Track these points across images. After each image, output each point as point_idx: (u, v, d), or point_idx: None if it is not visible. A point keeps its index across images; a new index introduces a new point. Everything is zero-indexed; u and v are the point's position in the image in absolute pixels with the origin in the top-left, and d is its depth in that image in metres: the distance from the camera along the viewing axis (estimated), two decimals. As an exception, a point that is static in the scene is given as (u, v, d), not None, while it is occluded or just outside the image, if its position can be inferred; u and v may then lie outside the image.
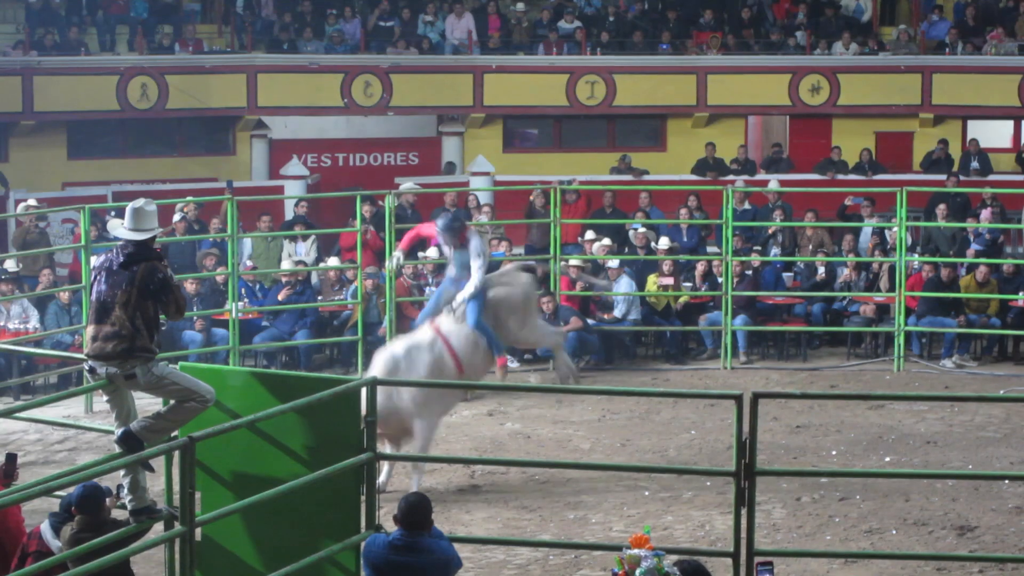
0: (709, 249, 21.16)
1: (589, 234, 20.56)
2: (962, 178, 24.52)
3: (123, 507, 9.28)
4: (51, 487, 8.54)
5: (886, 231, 20.69)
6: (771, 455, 14.84)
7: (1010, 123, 27.21)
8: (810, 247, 20.82)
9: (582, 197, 21.68)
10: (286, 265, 20.06)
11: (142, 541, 9.06)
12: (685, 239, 21.21)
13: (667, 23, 27.49)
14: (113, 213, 18.15)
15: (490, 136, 26.85)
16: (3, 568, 9.11)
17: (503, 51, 26.83)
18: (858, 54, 26.93)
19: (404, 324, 17.80)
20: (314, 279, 20.35)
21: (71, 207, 20.08)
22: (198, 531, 8.99)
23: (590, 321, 19.31)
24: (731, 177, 25.10)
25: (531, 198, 21.65)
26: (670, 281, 19.70)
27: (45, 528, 8.94)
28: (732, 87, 26.53)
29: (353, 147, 26.54)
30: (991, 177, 25.14)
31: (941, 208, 21.41)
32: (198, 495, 9.01)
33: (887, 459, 15.10)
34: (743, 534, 9.12)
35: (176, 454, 8.72)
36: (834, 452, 15.31)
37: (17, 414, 11.14)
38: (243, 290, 18.82)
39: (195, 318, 18.35)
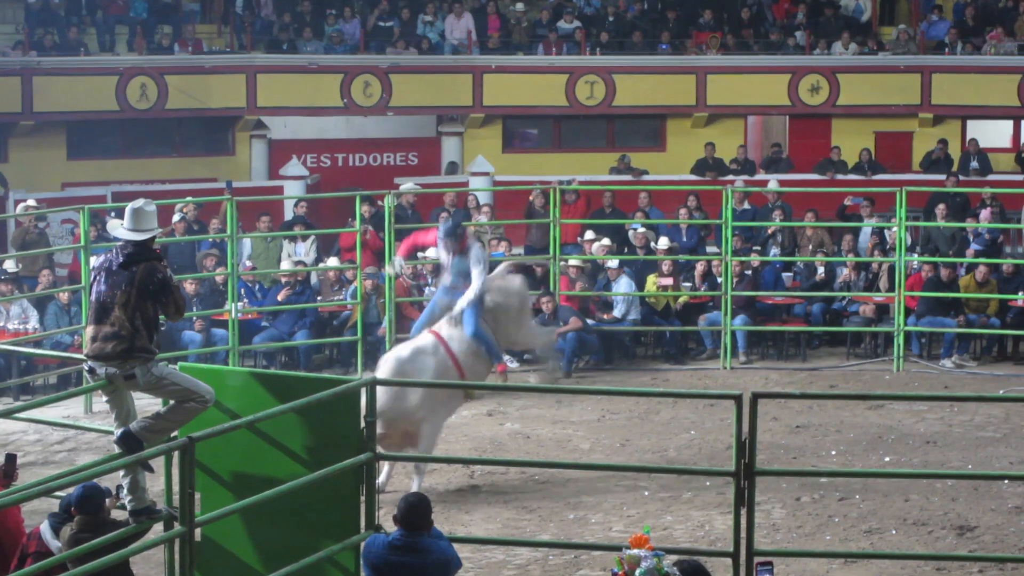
0: (708, 249, 21.16)
1: (589, 234, 20.56)
2: (961, 178, 24.52)
3: (123, 507, 9.28)
4: (51, 487, 8.54)
5: (886, 231, 20.70)
6: (771, 455, 14.84)
7: (1009, 123, 27.21)
8: (810, 247, 20.82)
9: (581, 197, 21.68)
10: (285, 265, 20.06)
11: (142, 541, 9.06)
12: (684, 239, 21.21)
13: (666, 23, 27.50)
14: (113, 213, 18.15)
15: (489, 136, 26.85)
16: (2, 568, 9.11)
17: (502, 51, 26.83)
18: (857, 54, 26.94)
19: (404, 324, 17.80)
20: (313, 279, 20.36)
21: (70, 207, 20.07)
22: (198, 531, 8.99)
23: (589, 321, 19.31)
24: (730, 177, 25.09)
25: (531, 198, 21.64)
26: (669, 281, 19.70)
27: (45, 528, 8.94)
28: (731, 87, 26.53)
29: (353, 147, 26.55)
30: (990, 177, 25.14)
31: (940, 208, 21.41)
32: (198, 495, 9.01)
33: (887, 459, 15.10)
34: (743, 534, 9.12)
35: (176, 454, 8.72)
36: (834, 452, 15.31)
37: (17, 414, 11.14)
38: (242, 290, 18.82)
39: (194, 318, 18.35)
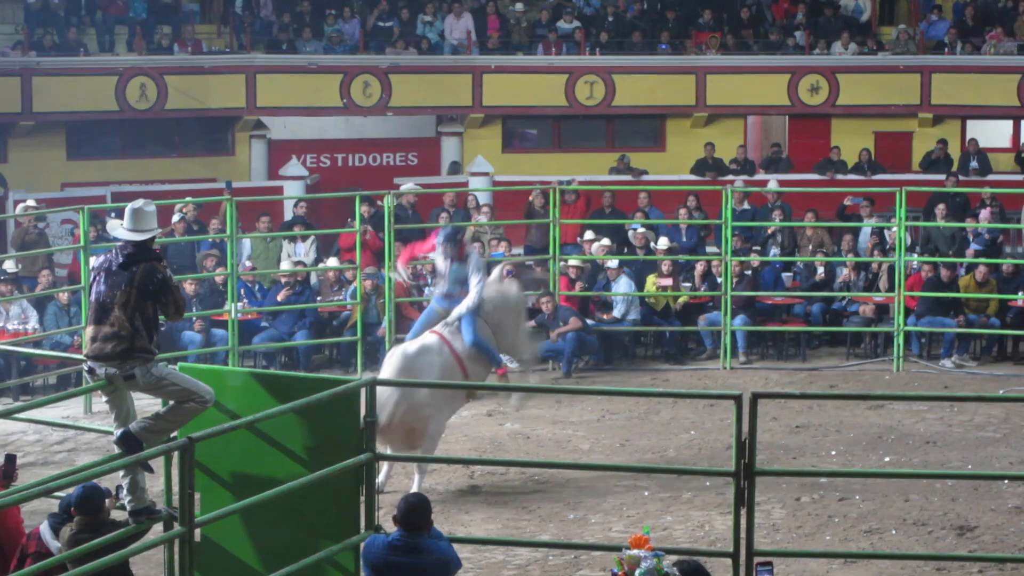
0: (708, 249, 21.15)
1: (588, 234, 20.56)
2: (961, 178, 24.52)
3: (122, 508, 9.28)
4: (50, 488, 8.53)
5: (885, 231, 20.69)
6: (770, 455, 14.83)
7: (1009, 123, 27.21)
8: (809, 247, 20.81)
9: (581, 197, 21.67)
10: (285, 266, 20.06)
11: (141, 542, 9.06)
12: (684, 239, 21.20)
13: (666, 23, 27.49)
14: (113, 214, 18.14)
15: (489, 136, 26.85)
16: (2, 569, 9.11)
17: (502, 51, 26.83)
18: (857, 54, 26.93)
19: (403, 324, 17.80)
20: (313, 279, 20.35)
21: (70, 208, 20.07)
22: (197, 532, 8.99)
23: (589, 321, 19.31)
24: (730, 177, 25.09)
25: (530, 198, 21.64)
26: (669, 282, 19.69)
27: (44, 529, 8.94)
28: (731, 87, 26.53)
29: (352, 147, 26.55)
30: (990, 177, 25.13)
31: (940, 208, 21.41)
32: (197, 496, 9.01)
33: (886, 459, 15.10)
34: (742, 534, 9.11)
35: (175, 455, 8.72)
36: (833, 452, 15.31)
37: (16, 415, 11.14)
38: (242, 291, 18.82)
39: (194, 319, 18.36)
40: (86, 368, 9.45)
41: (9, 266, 18.62)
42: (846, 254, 20.40)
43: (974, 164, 25.54)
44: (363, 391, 9.54)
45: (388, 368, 13.80)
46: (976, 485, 13.84)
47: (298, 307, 19.04)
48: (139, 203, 9.53)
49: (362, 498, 9.52)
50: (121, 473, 9.23)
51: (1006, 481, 13.93)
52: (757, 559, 8.98)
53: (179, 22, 26.44)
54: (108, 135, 25.45)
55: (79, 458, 14.78)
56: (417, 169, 26.37)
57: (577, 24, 27.26)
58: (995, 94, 26.23)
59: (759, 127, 27.88)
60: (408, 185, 22.32)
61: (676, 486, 13.89)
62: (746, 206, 22.07)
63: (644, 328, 19.78)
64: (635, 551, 7.91)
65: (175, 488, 8.97)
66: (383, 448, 13.26)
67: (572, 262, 19.70)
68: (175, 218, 20.55)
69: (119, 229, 9.49)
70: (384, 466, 13.77)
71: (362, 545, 8.68)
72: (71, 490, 8.81)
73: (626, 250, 20.87)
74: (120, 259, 9.38)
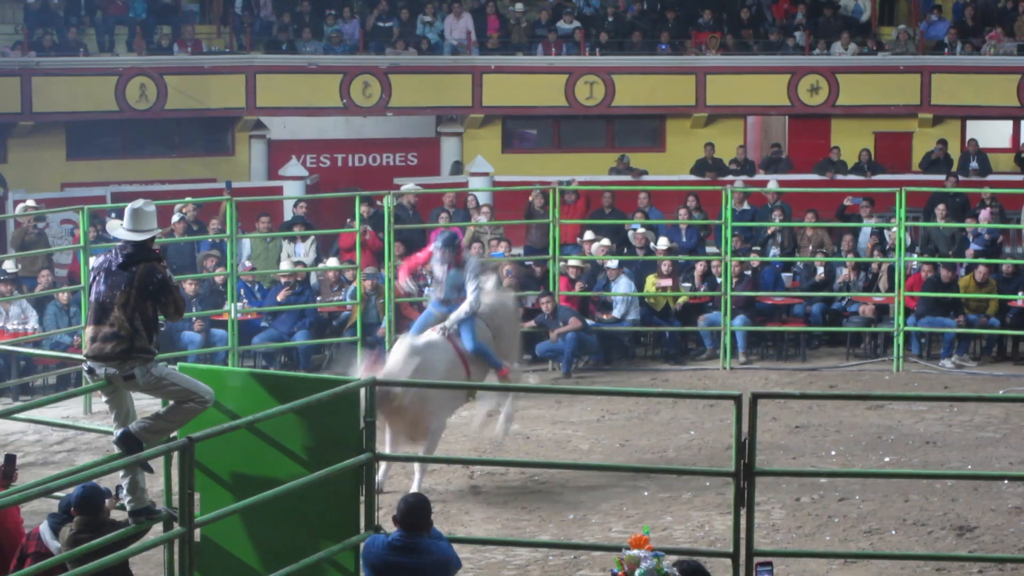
0: (708, 249, 21.15)
1: (588, 234, 20.56)
2: (961, 178, 24.51)
3: (122, 508, 9.28)
4: (50, 488, 8.53)
5: (885, 231, 20.70)
6: (770, 455, 14.83)
7: (1009, 123, 27.21)
8: (809, 247, 20.81)
9: (581, 197, 21.67)
10: (285, 266, 20.05)
11: (141, 542, 9.06)
12: (684, 239, 21.20)
13: (666, 23, 27.49)
14: (113, 214, 18.15)
15: (489, 136, 26.85)
16: (2, 569, 9.11)
17: (502, 51, 26.83)
18: (857, 54, 26.94)
19: (403, 325, 17.79)
20: (313, 280, 20.35)
21: (70, 208, 20.07)
22: (197, 532, 8.99)
23: (589, 321, 19.31)
24: (730, 177, 25.09)
25: (530, 198, 21.64)
26: (668, 282, 19.69)
27: (44, 529, 8.94)
28: (731, 87, 26.53)
29: (352, 148, 26.55)
30: (990, 177, 25.13)
31: (940, 208, 21.41)
32: (197, 496, 9.01)
33: (886, 459, 15.10)
34: (742, 534, 9.11)
35: (175, 455, 8.72)
36: (833, 452, 15.31)
37: (16, 415, 11.14)
38: (242, 291, 18.82)
39: (194, 319, 18.35)
40: (86, 368, 9.45)
41: (9, 266, 18.62)
42: (846, 254, 20.40)
43: (974, 164, 25.53)
44: (363, 391, 9.54)
45: (396, 354, 13.82)
46: (976, 485, 13.85)
47: (298, 307, 19.04)
48: (139, 203, 9.53)
49: (362, 498, 9.53)
50: (121, 473, 9.23)
51: (1006, 481, 13.93)
52: (757, 559, 8.98)
53: (179, 22, 26.44)
54: (108, 135, 25.45)
55: (79, 458, 14.77)
56: (417, 169, 26.37)
57: (577, 24, 27.26)
58: (995, 94, 26.23)
59: (759, 127, 27.88)
60: (409, 185, 22.32)
61: (676, 486, 13.89)
62: (746, 206, 22.07)
63: (644, 328, 19.78)
64: (635, 551, 7.91)
65: (175, 488, 8.97)
66: (386, 432, 13.36)
67: (572, 262, 19.70)
68: (175, 218, 20.54)
69: (119, 229, 9.49)
70: (382, 464, 13.78)
71: (362, 545, 8.68)
72: (71, 490, 8.81)
73: (626, 250, 20.87)
74: (120, 259, 9.38)
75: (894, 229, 19.65)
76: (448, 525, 12.67)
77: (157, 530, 9.40)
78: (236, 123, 25.89)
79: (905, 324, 19.29)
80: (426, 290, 18.92)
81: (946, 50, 26.94)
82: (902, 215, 19.26)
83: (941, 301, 19.39)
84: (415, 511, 8.19)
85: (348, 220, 20.67)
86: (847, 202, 22.10)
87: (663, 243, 20.34)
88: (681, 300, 19.85)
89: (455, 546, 8.41)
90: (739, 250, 19.88)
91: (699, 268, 19.98)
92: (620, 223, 21.53)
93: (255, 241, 20.67)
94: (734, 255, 19.43)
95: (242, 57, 25.70)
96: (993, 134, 26.87)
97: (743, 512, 9.09)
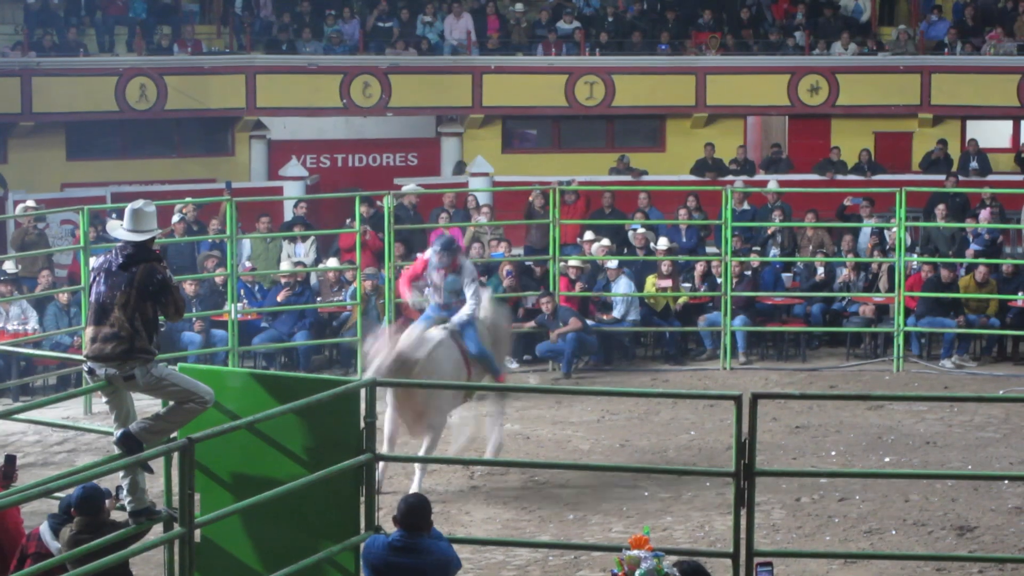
0: (708, 249, 21.15)
1: (588, 235, 20.56)
2: (961, 178, 24.52)
3: (122, 508, 9.28)
4: (50, 488, 8.53)
5: (885, 231, 20.70)
6: (770, 456, 14.84)
7: (1009, 123, 27.21)
8: (809, 247, 20.81)
9: (581, 197, 21.67)
10: (285, 266, 20.05)
11: (141, 542, 9.06)
12: (684, 240, 21.20)
13: (666, 23, 27.49)
14: (113, 215, 18.15)
15: (489, 137, 26.85)
16: (2, 569, 9.11)
17: (502, 52, 26.83)
18: (857, 54, 26.94)
19: (403, 325, 17.77)
20: (313, 280, 20.35)
21: (70, 208, 20.07)
22: (197, 532, 8.99)
23: (589, 322, 19.31)
24: (730, 177, 25.09)
25: (530, 199, 21.64)
26: (668, 283, 19.69)
27: (44, 530, 8.94)
28: (731, 87, 26.53)
29: (352, 148, 26.55)
30: (990, 177, 25.13)
31: (940, 208, 21.41)
32: (197, 496, 9.01)
33: (886, 459, 15.10)
34: (742, 535, 9.11)
35: (175, 455, 8.72)
36: (833, 452, 15.31)
37: (16, 415, 11.14)
38: (242, 291, 18.82)
39: (194, 319, 18.35)
40: (86, 369, 9.45)
41: (9, 267, 18.61)
42: (846, 254, 20.40)
43: (974, 164, 25.54)
44: (363, 392, 9.54)
45: (405, 340, 13.84)
46: (976, 485, 13.85)
47: (298, 307, 19.04)
48: (139, 204, 9.53)
49: (362, 499, 9.53)
50: (121, 474, 9.23)
51: (1006, 481, 13.93)
52: (757, 559, 8.98)
53: (179, 22, 26.44)
54: (108, 135, 25.45)
55: (79, 459, 14.77)
56: (417, 170, 26.37)
57: (577, 24, 27.26)
58: (995, 94, 26.23)
59: (759, 127, 27.88)
60: (410, 186, 22.32)
61: (676, 487, 13.89)
62: (746, 206, 22.07)
63: (644, 329, 19.78)
64: (635, 551, 7.91)
65: (175, 489, 8.97)
66: (385, 427, 13.40)
67: (572, 263, 19.70)
68: (175, 219, 20.54)
69: (119, 230, 9.50)
70: (380, 464, 13.78)
71: (362, 546, 8.69)
72: (71, 491, 8.81)
73: (626, 250, 20.87)
74: (120, 260, 9.38)
75: (894, 229, 19.65)
76: (448, 525, 12.68)
77: (157, 531, 9.40)
78: (236, 123, 25.89)
79: (905, 324, 19.29)
80: (425, 290, 18.95)
81: (946, 50, 26.94)
82: (902, 215, 19.26)
83: (941, 301, 19.39)
84: (415, 511, 8.19)
85: (348, 220, 20.66)
86: (847, 202, 22.10)
87: (663, 243, 20.34)
88: (681, 300, 19.85)
89: (455, 546, 8.41)
90: (739, 250, 19.88)
91: (699, 268, 19.98)
92: (620, 223, 21.53)
93: (255, 241, 20.67)
94: (734, 255, 19.43)
95: (242, 57, 25.70)
96: (993, 134, 26.88)
97: (743, 512, 9.09)
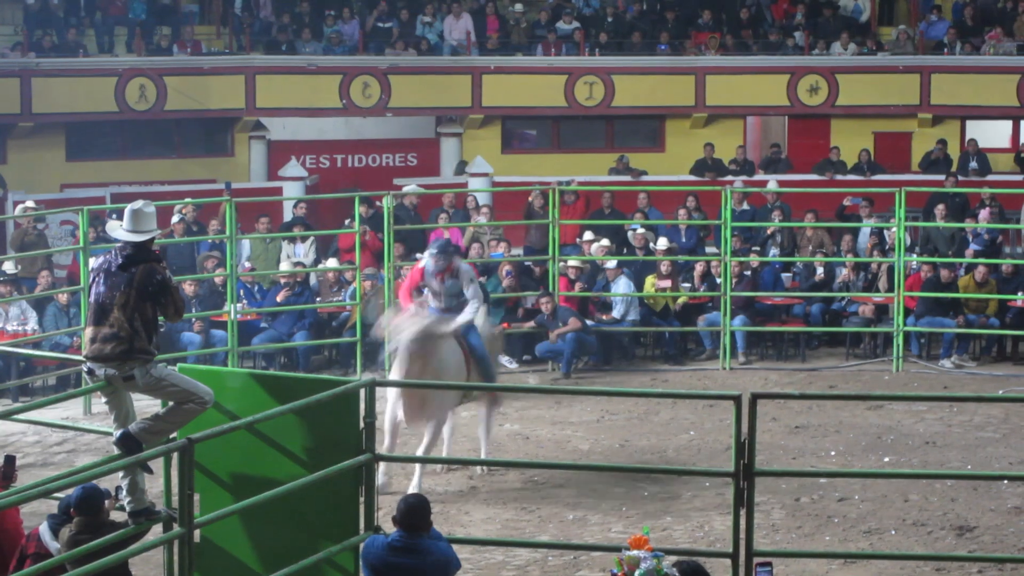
0: (708, 250, 21.15)
1: (588, 235, 20.57)
2: (961, 178, 24.52)
3: (122, 509, 9.28)
4: (50, 489, 8.54)
5: (885, 231, 20.70)
6: (770, 456, 14.84)
7: (1008, 123, 27.21)
8: (809, 247, 20.82)
9: (581, 198, 21.69)
10: (285, 266, 20.06)
11: (141, 543, 9.06)
12: (684, 240, 21.20)
13: (665, 24, 27.48)
14: (113, 215, 18.14)
15: (489, 137, 26.85)
16: (2, 570, 9.11)
17: (501, 52, 26.82)
18: (856, 54, 26.94)
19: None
20: (313, 280, 20.35)
21: (69, 209, 20.07)
22: (197, 533, 8.99)
23: (588, 322, 19.31)
24: (730, 178, 25.09)
25: (530, 199, 21.65)
26: (668, 283, 19.69)
27: (44, 530, 8.94)
28: (730, 87, 26.53)
29: (352, 148, 26.55)
30: (990, 177, 25.14)
31: (940, 208, 21.41)
32: (197, 497, 9.01)
33: (886, 459, 15.11)
34: (742, 535, 9.11)
35: (175, 456, 8.72)
36: (833, 453, 15.31)
37: (16, 416, 11.14)
38: (242, 291, 18.82)
39: (194, 319, 18.36)
40: (85, 369, 9.45)
41: (8, 267, 18.62)
42: (845, 254, 20.41)
43: (973, 164, 25.54)
44: (362, 392, 9.54)
45: (412, 328, 13.86)
46: (975, 485, 13.85)
47: (297, 308, 19.04)
48: (138, 204, 9.53)
49: (361, 499, 9.53)
50: (120, 474, 9.23)
51: (1005, 481, 13.93)
52: (756, 559, 8.98)
53: (178, 23, 26.43)
54: (107, 136, 25.45)
55: (78, 459, 14.77)
56: (416, 170, 26.36)
57: (576, 25, 27.25)
58: (994, 94, 26.24)
59: (758, 127, 27.88)
60: (411, 187, 22.32)
61: (675, 487, 13.90)
62: (745, 206, 22.07)
63: (643, 329, 19.78)
64: (635, 552, 7.92)
65: (174, 489, 8.97)
66: (386, 420, 13.44)
67: (571, 263, 19.70)
68: (174, 219, 20.54)
69: (118, 230, 9.50)
70: (382, 466, 13.80)
71: (361, 546, 8.69)
72: (70, 491, 8.81)
73: (625, 251, 20.87)
74: (119, 260, 9.39)
75: (894, 229, 19.66)
76: (448, 525, 12.68)
77: (157, 531, 9.40)
78: (236, 124, 25.89)
79: (905, 324, 19.29)
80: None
81: (945, 50, 26.94)
82: (901, 215, 19.27)
83: (941, 301, 19.39)
84: (415, 511, 8.19)
85: (347, 221, 20.65)
86: (847, 202, 22.10)
87: (663, 243, 20.34)
88: (681, 300, 19.85)
89: (455, 547, 8.42)
90: (739, 250, 19.88)
91: (699, 268, 19.98)
92: (620, 223, 21.53)
93: (255, 242, 20.67)
94: (734, 255, 19.43)
95: (242, 58, 25.70)
96: (993, 134, 26.88)
97: (743, 512, 9.09)
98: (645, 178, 25.30)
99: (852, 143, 26.16)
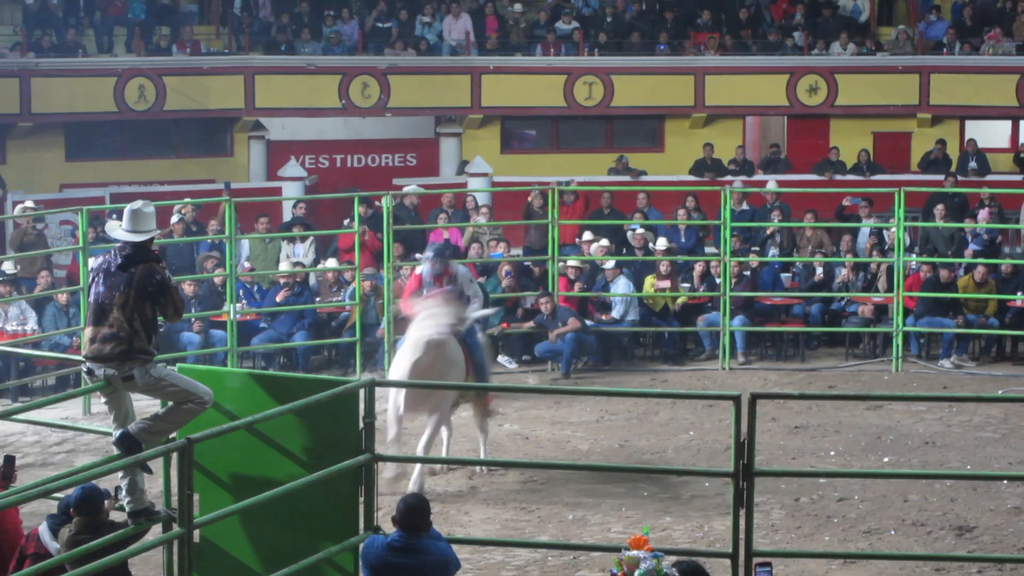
0: (707, 250, 21.15)
1: (587, 235, 20.56)
2: (960, 178, 24.53)
3: (121, 509, 9.28)
4: (49, 489, 8.54)
5: (884, 231, 20.70)
6: (769, 456, 14.84)
7: (1008, 123, 27.21)
8: (808, 247, 20.82)
9: (580, 198, 21.68)
10: (284, 266, 20.05)
11: (140, 543, 9.06)
12: (683, 240, 21.20)
13: (665, 24, 27.48)
14: (113, 215, 18.14)
15: (488, 137, 26.85)
16: (1, 570, 9.11)
17: (501, 52, 26.82)
18: (856, 54, 26.94)
19: (402, 325, 17.78)
20: (312, 280, 20.35)
21: (69, 209, 20.07)
22: (196, 533, 8.99)
23: (588, 322, 19.30)
24: (729, 178, 25.09)
25: (529, 199, 21.65)
26: (667, 284, 19.69)
27: (43, 530, 8.94)
28: (730, 88, 26.53)
29: (351, 148, 26.54)
30: (989, 177, 25.15)
31: (939, 208, 21.41)
32: (196, 497, 9.00)
33: (885, 459, 15.11)
34: (741, 535, 9.12)
35: (174, 456, 8.72)
36: (832, 453, 15.31)
37: (15, 416, 11.14)
38: (241, 291, 18.82)
39: (193, 320, 18.35)
40: (85, 369, 9.46)
41: (8, 267, 18.61)
42: (845, 254, 20.41)
43: (973, 164, 25.55)
44: (362, 392, 9.54)
45: (433, 326, 13.93)
46: (975, 485, 13.85)
47: (297, 308, 19.04)
48: (138, 204, 9.53)
49: (361, 499, 9.52)
50: (120, 474, 9.23)
51: (1005, 481, 13.93)
52: (756, 560, 8.98)
53: (177, 23, 26.43)
54: (107, 136, 25.45)
55: (78, 459, 14.77)
56: (416, 170, 26.37)
57: (576, 25, 27.25)
58: (994, 94, 26.24)
59: (758, 127, 27.88)
60: (411, 187, 22.32)
61: (675, 487, 13.90)
62: (745, 207, 22.07)
63: (643, 329, 19.78)
64: (634, 552, 7.91)
65: (174, 489, 8.97)
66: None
67: (571, 263, 19.70)
68: (174, 219, 20.54)
69: (118, 230, 9.50)
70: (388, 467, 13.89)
71: (361, 546, 8.69)
72: (70, 491, 8.82)
73: (625, 251, 20.87)
74: (119, 260, 9.39)
75: (893, 229, 19.66)
76: (447, 526, 12.68)
77: (156, 531, 9.41)
78: (235, 124, 25.88)
79: (904, 324, 19.29)
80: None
81: (945, 50, 26.95)
82: (901, 215, 19.27)
83: (940, 301, 19.39)
84: (414, 511, 8.19)
85: (346, 221, 20.64)
86: (846, 202, 22.10)
87: (662, 243, 20.34)
88: (680, 300, 19.85)
89: (454, 547, 8.42)
90: (738, 250, 19.88)
91: (698, 268, 19.98)
92: (619, 223, 21.52)
93: (254, 242, 20.67)
94: (733, 255, 19.43)
95: (241, 58, 25.70)
96: (992, 134, 26.88)
97: (742, 512, 9.09)
98: (644, 178, 25.31)
99: (851, 143, 26.17)
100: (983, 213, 21.72)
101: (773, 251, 20.86)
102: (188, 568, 8.61)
